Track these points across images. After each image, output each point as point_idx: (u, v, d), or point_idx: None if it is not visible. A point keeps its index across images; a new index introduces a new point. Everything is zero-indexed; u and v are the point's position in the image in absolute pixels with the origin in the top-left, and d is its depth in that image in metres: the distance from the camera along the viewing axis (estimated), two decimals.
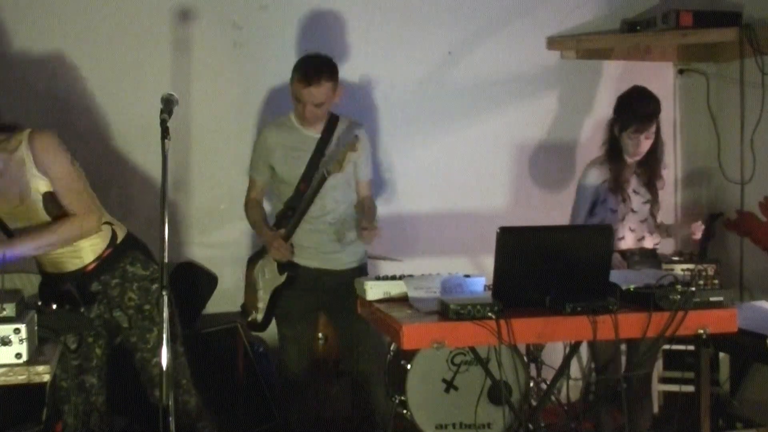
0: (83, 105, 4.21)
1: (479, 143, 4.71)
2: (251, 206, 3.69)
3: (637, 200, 3.76)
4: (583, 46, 4.69)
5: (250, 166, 3.69)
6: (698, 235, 3.78)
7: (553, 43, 4.73)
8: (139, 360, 2.98)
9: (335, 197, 3.54)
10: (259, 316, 3.63)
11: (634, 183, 3.76)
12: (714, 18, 4.40)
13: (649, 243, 3.82)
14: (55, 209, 2.81)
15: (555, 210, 4.63)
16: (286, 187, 3.56)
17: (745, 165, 4.44)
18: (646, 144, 3.68)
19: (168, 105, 2.66)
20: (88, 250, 2.91)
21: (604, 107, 4.77)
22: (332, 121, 3.59)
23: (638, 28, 4.55)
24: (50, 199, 2.80)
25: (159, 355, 2.92)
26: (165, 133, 2.58)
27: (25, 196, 2.77)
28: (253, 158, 3.68)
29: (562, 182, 4.81)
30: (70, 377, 2.91)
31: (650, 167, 3.76)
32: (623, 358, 3.83)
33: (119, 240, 3.00)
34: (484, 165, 4.70)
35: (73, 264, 2.91)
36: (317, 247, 3.56)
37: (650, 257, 3.81)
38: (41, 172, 2.78)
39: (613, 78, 4.83)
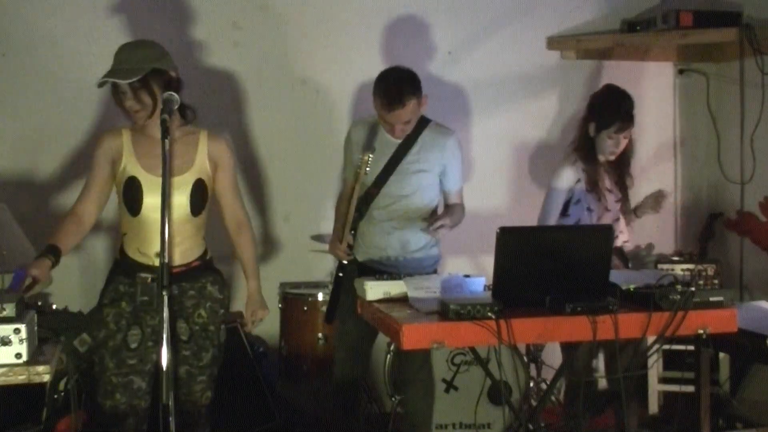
0: (82, 105, 4.21)
1: (479, 143, 4.71)
2: (338, 202, 3.67)
3: (611, 199, 3.73)
4: (583, 46, 4.69)
5: (343, 164, 3.68)
6: (659, 206, 3.74)
7: (553, 43, 4.73)
8: (184, 373, 2.97)
9: (404, 204, 3.47)
10: (324, 308, 3.64)
11: (607, 182, 3.74)
12: (714, 18, 4.40)
13: (618, 241, 3.80)
14: (197, 198, 2.94)
15: None
16: (361, 187, 3.46)
17: (745, 165, 4.44)
18: (623, 143, 3.66)
19: (168, 105, 2.67)
20: (179, 254, 2.94)
21: None
22: (419, 125, 3.48)
23: (638, 28, 4.54)
24: (198, 187, 2.94)
25: (205, 373, 3.00)
26: (165, 133, 2.60)
27: (182, 170, 2.91)
28: (343, 157, 3.66)
29: None
30: (122, 374, 2.90)
31: (620, 166, 3.74)
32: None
33: (208, 257, 3.08)
34: (484, 165, 4.70)
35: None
36: (381, 249, 3.50)
37: (618, 255, 3.80)
38: (210, 163, 2.99)
39: (613, 78, 4.80)
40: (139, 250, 2.93)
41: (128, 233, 2.96)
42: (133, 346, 2.91)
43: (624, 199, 3.77)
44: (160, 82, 2.84)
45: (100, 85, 2.81)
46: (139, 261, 2.93)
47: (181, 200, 2.91)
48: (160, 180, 2.83)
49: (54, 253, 2.77)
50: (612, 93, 3.72)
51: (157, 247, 2.86)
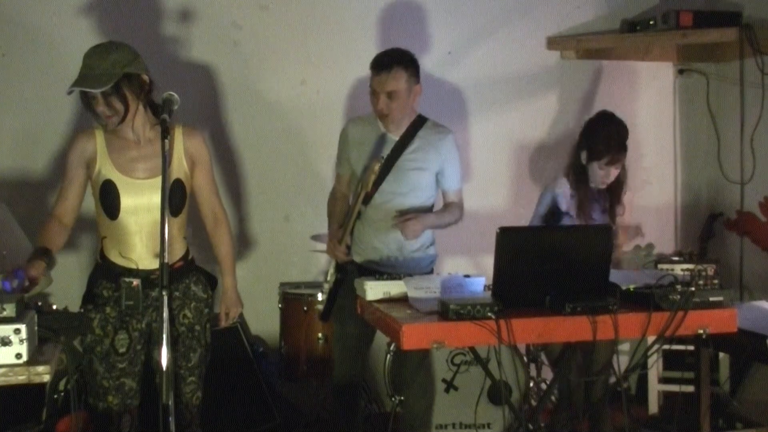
0: (82, 105, 4.20)
1: (479, 143, 4.71)
2: (332, 199, 3.66)
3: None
4: (583, 46, 4.69)
5: (336, 160, 3.67)
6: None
7: (553, 43, 4.73)
8: (173, 375, 2.95)
9: (399, 203, 3.45)
10: (320, 307, 3.63)
11: (596, 210, 3.69)
12: (714, 18, 4.40)
13: None
14: (175, 199, 2.91)
15: None
16: (358, 186, 3.47)
17: (745, 165, 4.44)
18: (614, 173, 3.60)
19: (168, 105, 2.67)
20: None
21: (603, 107, 4.76)
22: (416, 124, 3.48)
23: (638, 28, 4.54)
24: (178, 187, 2.92)
25: (195, 374, 3.00)
26: (165, 132, 2.60)
27: (159, 171, 2.81)
28: (337, 152, 3.64)
29: None
30: (113, 378, 2.90)
31: (612, 193, 3.69)
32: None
33: (189, 257, 3.07)
34: (484, 165, 4.70)
35: (144, 261, 2.91)
36: (379, 249, 3.48)
37: None
38: (188, 160, 2.96)
39: (613, 78, 4.84)
40: (120, 253, 2.91)
41: (108, 237, 2.94)
42: (122, 350, 2.91)
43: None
44: (132, 86, 2.80)
45: (70, 92, 2.76)
46: (122, 265, 2.92)
47: (160, 201, 2.86)
48: (136, 182, 2.86)
49: (46, 255, 2.77)
50: (605, 123, 3.64)
51: (138, 250, 2.90)
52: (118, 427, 2.91)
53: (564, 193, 3.70)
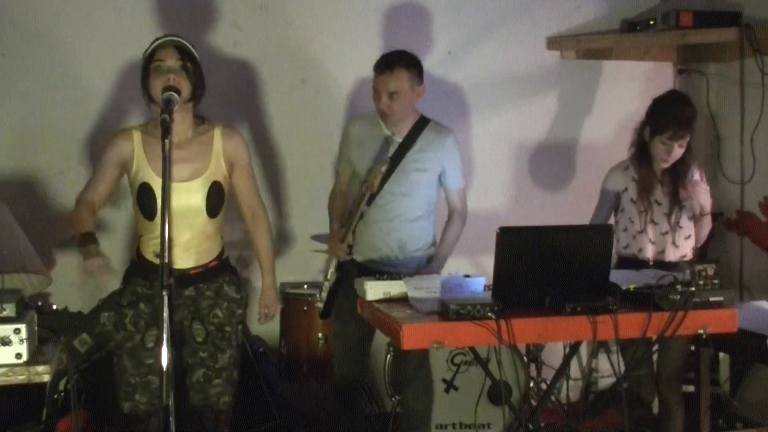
0: (82, 105, 4.21)
1: (479, 143, 4.70)
2: (332, 197, 3.68)
3: (659, 211, 3.58)
4: (583, 46, 4.69)
5: (337, 158, 3.69)
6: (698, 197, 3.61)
7: (553, 43, 4.73)
8: (201, 376, 2.94)
9: (401, 203, 3.47)
10: (320, 305, 3.64)
11: (657, 193, 3.59)
12: (714, 18, 4.40)
13: (672, 255, 3.59)
14: (213, 201, 2.91)
15: (555, 210, 4.63)
16: (359, 185, 3.48)
17: (745, 165, 4.44)
18: (678, 152, 3.50)
19: (168, 105, 2.67)
20: (197, 255, 2.92)
21: (603, 107, 4.78)
22: (418, 125, 3.50)
23: (638, 28, 4.54)
24: (216, 190, 2.92)
25: (222, 376, 2.96)
26: (165, 132, 2.59)
27: (197, 174, 2.88)
28: (339, 150, 3.66)
29: (562, 182, 4.81)
30: (140, 374, 2.89)
31: (677, 175, 3.57)
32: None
33: (224, 256, 3.06)
34: (484, 165, 4.70)
35: (180, 261, 2.90)
36: (379, 249, 3.50)
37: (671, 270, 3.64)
38: (226, 161, 2.96)
39: (613, 78, 4.84)
40: (155, 253, 2.90)
41: (144, 235, 2.95)
42: (150, 345, 2.89)
43: (672, 212, 3.57)
44: (199, 77, 2.90)
45: (157, 44, 2.84)
46: (156, 263, 2.89)
47: (198, 204, 2.89)
48: (174, 185, 2.84)
49: (93, 240, 2.76)
50: (671, 97, 3.59)
51: (173, 251, 2.86)
52: (145, 429, 2.88)
53: (614, 189, 3.64)
